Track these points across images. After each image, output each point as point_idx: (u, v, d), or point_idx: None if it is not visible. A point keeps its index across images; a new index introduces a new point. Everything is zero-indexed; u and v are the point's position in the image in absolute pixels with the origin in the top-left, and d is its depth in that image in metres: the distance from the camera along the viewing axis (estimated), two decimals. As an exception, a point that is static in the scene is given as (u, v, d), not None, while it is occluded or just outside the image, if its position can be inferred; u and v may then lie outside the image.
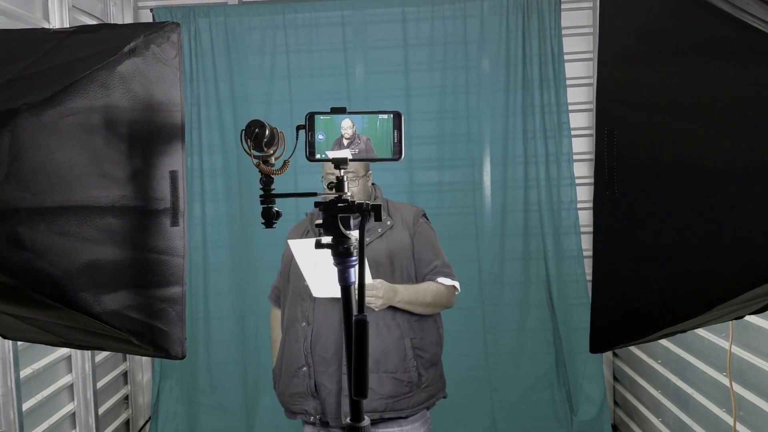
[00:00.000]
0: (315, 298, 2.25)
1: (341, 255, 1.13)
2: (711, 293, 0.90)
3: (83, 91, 0.98)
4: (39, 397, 2.83)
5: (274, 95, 3.68)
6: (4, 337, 1.21)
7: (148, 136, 1.09)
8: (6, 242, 0.89)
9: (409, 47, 3.64)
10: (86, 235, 0.98)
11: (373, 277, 2.22)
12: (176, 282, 1.14)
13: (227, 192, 3.72)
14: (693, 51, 0.93)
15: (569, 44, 3.59)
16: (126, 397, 3.81)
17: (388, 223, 2.34)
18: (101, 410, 3.37)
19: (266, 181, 1.10)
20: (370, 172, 2.42)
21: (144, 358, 3.83)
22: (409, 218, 2.38)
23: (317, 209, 2.44)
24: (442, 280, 2.33)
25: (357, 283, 1.06)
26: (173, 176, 1.12)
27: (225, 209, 3.72)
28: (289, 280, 2.36)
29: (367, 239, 2.26)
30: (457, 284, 2.37)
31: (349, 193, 1.15)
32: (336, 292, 2.08)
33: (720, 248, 0.88)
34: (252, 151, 1.07)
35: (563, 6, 3.58)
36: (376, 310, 2.20)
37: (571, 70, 3.61)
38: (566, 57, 3.57)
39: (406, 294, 2.22)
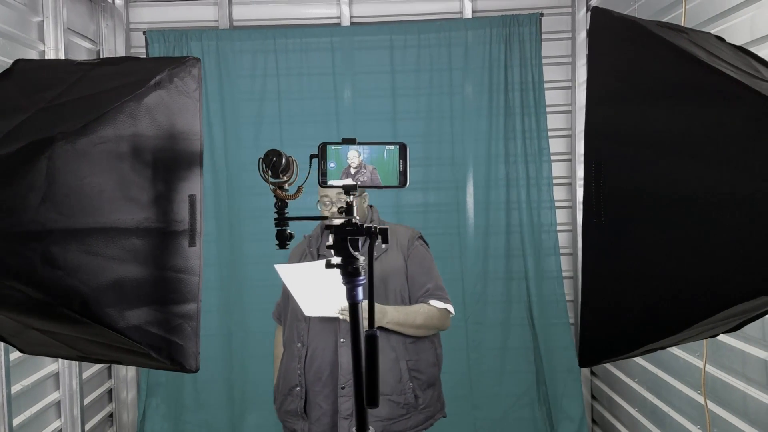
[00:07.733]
0: (309, 320, 2.28)
1: (350, 275, 1.19)
2: (689, 312, 0.98)
3: (113, 120, 1.04)
4: (28, 413, 2.84)
5: (265, 117, 3.76)
6: (22, 351, 1.25)
7: (170, 163, 1.16)
8: (41, 261, 0.95)
9: (396, 73, 3.75)
10: (113, 255, 1.04)
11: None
12: (192, 299, 1.21)
13: (216, 211, 3.76)
14: (673, 93, 1.03)
15: (549, 73, 3.73)
16: (111, 415, 3.81)
17: (383, 246, 2.32)
18: (87, 427, 3.37)
19: (281, 205, 1.18)
20: (366, 193, 2.42)
21: (129, 376, 3.82)
22: (403, 241, 2.39)
23: (314, 233, 2.50)
24: (434, 302, 2.33)
25: (367, 300, 1.13)
26: (192, 200, 1.20)
27: (214, 228, 3.76)
28: (289, 301, 2.38)
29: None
30: (450, 307, 2.37)
31: (357, 218, 1.22)
32: (327, 310, 2.15)
33: (697, 270, 0.97)
34: (269, 178, 1.15)
35: (544, 36, 3.72)
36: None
37: (551, 97, 3.75)
38: (546, 85, 3.71)
39: (396, 315, 2.23)
